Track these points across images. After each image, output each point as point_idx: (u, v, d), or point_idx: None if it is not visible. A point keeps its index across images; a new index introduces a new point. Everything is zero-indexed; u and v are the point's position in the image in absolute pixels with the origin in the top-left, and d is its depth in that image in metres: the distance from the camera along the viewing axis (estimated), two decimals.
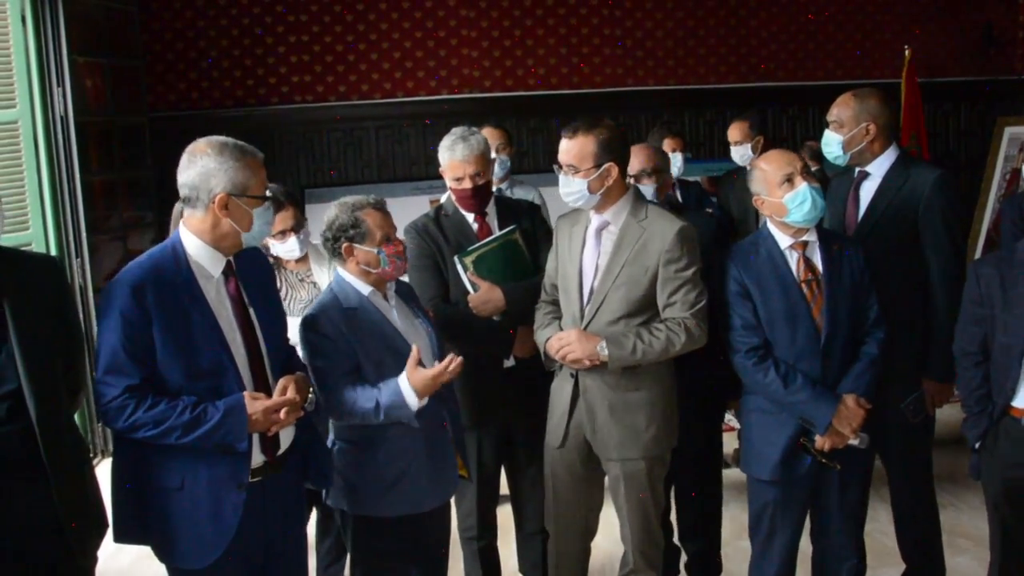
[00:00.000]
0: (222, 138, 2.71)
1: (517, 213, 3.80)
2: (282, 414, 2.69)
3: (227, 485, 2.69)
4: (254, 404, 2.66)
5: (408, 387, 2.96)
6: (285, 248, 3.83)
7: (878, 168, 3.64)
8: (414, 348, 2.99)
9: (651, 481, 3.35)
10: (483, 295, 3.54)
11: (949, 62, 8.50)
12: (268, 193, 2.77)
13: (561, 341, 3.28)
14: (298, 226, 3.84)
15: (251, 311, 2.81)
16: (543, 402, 3.49)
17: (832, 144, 3.65)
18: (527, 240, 3.71)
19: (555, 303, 3.47)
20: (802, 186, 3.17)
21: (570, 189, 3.25)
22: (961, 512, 4.80)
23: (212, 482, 2.69)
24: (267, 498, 2.81)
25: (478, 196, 3.63)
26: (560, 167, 3.28)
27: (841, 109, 3.64)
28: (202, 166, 2.65)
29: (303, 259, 3.94)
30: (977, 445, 3.28)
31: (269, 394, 2.74)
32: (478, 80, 7.69)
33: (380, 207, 3.13)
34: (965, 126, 8.75)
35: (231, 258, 2.79)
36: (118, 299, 2.59)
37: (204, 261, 2.72)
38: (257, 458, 2.77)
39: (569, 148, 3.24)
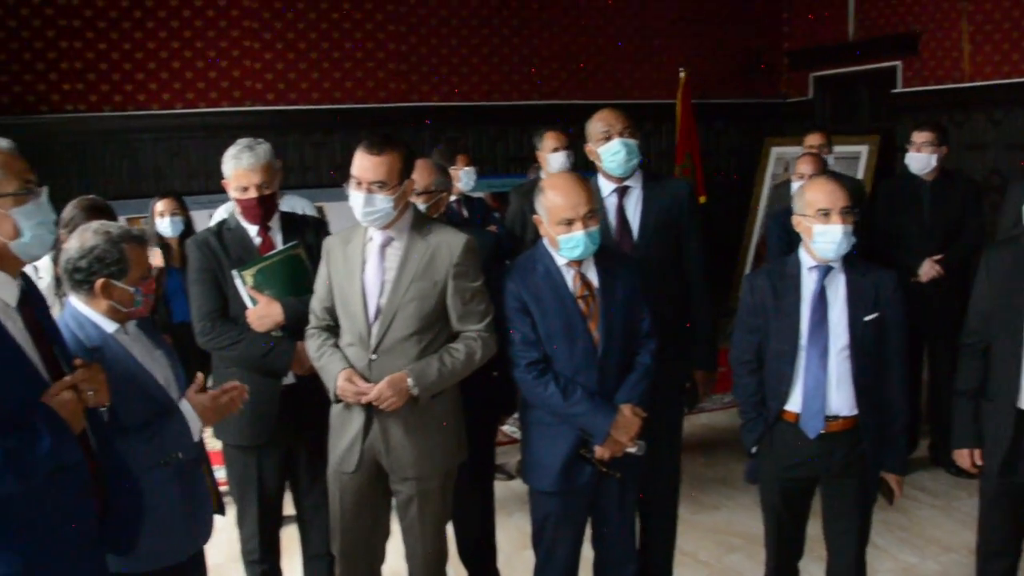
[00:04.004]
0: None
1: (302, 228, 3.72)
2: (75, 394, 2.23)
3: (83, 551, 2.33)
4: (51, 399, 2.20)
5: (192, 413, 2.76)
6: None
7: (636, 180, 3.83)
8: (199, 376, 2.81)
9: (443, 496, 3.36)
10: (261, 309, 3.46)
11: (721, 85, 8.98)
12: (30, 187, 2.26)
13: (379, 400, 3.16)
14: None
15: (55, 346, 2.36)
16: (325, 421, 3.41)
17: (634, 151, 3.75)
18: (311, 255, 3.63)
19: (328, 328, 3.38)
20: (578, 234, 3.20)
21: (374, 207, 3.16)
22: (734, 512, 5.02)
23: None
24: None
25: (263, 206, 3.54)
26: (359, 184, 3.17)
27: (623, 120, 3.76)
28: None
29: None
30: (754, 450, 3.45)
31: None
32: (261, 92, 7.55)
33: (142, 241, 2.78)
34: (735, 145, 9.25)
35: (22, 283, 2.32)
36: None
37: None
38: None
39: (376, 166, 3.14)
